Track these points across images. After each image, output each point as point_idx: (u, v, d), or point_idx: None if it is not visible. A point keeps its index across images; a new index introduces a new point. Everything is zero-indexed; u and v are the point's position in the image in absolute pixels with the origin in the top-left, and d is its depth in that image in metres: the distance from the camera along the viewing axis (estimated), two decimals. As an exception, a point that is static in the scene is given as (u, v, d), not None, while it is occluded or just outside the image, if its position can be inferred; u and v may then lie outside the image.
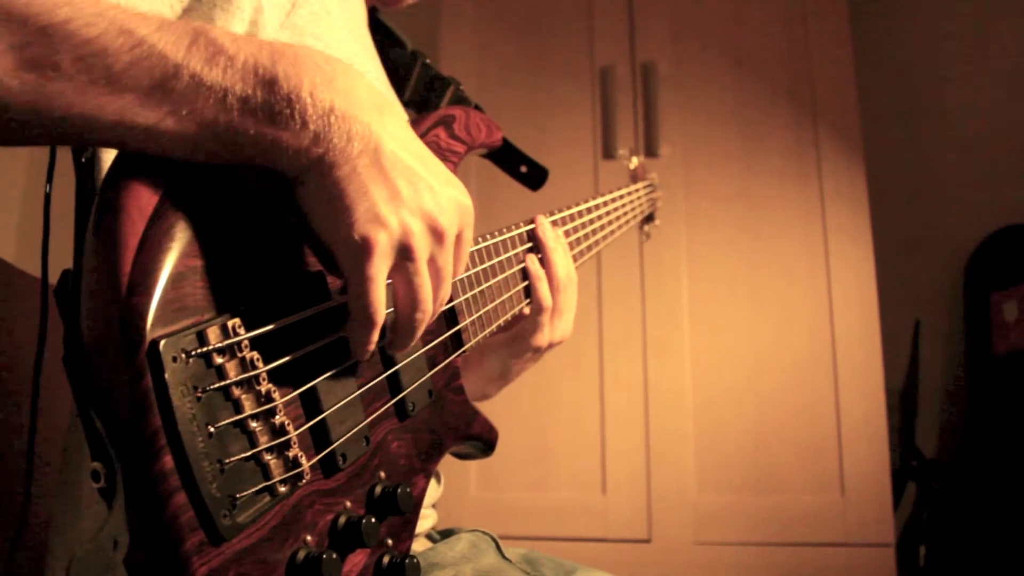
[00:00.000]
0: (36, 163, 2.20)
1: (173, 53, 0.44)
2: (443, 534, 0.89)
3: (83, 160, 0.58)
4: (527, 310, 0.86)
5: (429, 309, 0.54)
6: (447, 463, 0.83)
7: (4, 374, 1.11)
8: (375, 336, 0.52)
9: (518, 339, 0.88)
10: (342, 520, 0.52)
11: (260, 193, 0.52)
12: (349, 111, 0.48)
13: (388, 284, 0.52)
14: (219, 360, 0.45)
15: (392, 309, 0.55)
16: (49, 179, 0.60)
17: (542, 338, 0.87)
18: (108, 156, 0.62)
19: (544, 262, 0.86)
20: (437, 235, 0.53)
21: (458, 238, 0.56)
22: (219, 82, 0.45)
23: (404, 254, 0.51)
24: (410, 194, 0.50)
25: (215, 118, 0.45)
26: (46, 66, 0.42)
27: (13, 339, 1.14)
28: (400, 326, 0.55)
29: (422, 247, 0.51)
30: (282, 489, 0.48)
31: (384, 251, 0.49)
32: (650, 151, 2.21)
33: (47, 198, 0.59)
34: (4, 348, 1.12)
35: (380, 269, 0.49)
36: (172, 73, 0.44)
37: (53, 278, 0.64)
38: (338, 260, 0.50)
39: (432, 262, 0.53)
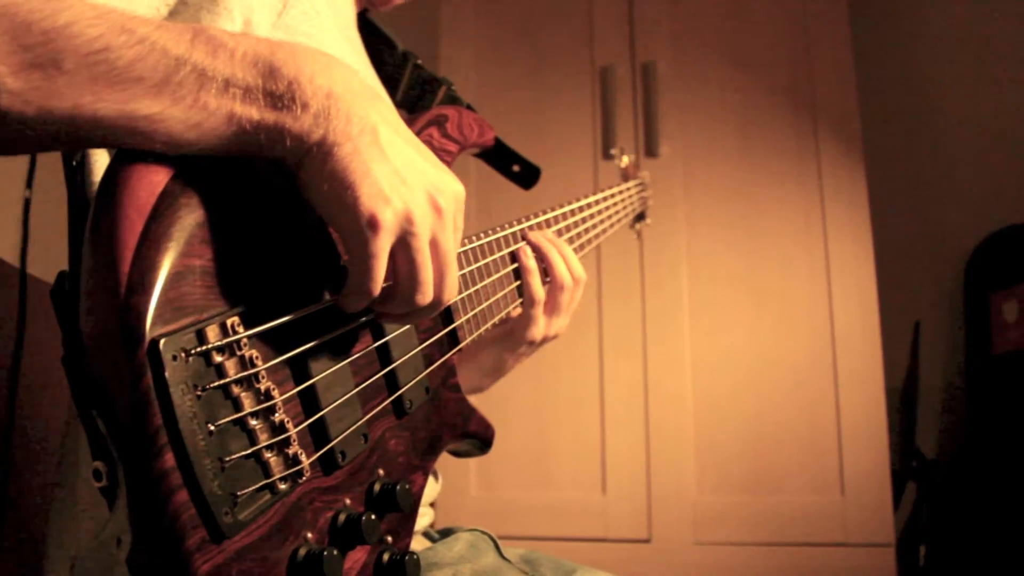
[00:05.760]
0: (37, 161, 2.19)
1: (174, 47, 0.45)
2: (442, 533, 0.89)
3: (73, 163, 0.59)
4: (519, 310, 0.87)
5: (429, 292, 0.55)
6: (447, 463, 0.84)
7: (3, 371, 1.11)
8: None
9: (513, 333, 0.89)
10: (342, 517, 0.52)
11: (258, 191, 0.52)
12: (346, 95, 0.50)
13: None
14: (218, 358, 0.46)
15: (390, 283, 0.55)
16: (29, 184, 0.60)
17: (536, 332, 0.88)
18: (98, 159, 0.62)
19: (542, 260, 0.87)
20: (438, 212, 0.54)
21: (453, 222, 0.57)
22: (221, 72, 0.46)
23: (407, 231, 0.52)
24: (410, 173, 0.52)
25: (218, 106, 0.46)
26: (49, 65, 0.42)
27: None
28: (396, 302, 0.55)
29: (424, 224, 0.52)
30: (282, 487, 0.48)
31: (389, 228, 0.50)
32: (650, 151, 2.21)
33: (26, 203, 0.60)
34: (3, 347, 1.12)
35: (384, 245, 0.50)
36: (174, 66, 0.45)
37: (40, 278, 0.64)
38: (343, 237, 0.51)
39: (435, 244, 0.54)
